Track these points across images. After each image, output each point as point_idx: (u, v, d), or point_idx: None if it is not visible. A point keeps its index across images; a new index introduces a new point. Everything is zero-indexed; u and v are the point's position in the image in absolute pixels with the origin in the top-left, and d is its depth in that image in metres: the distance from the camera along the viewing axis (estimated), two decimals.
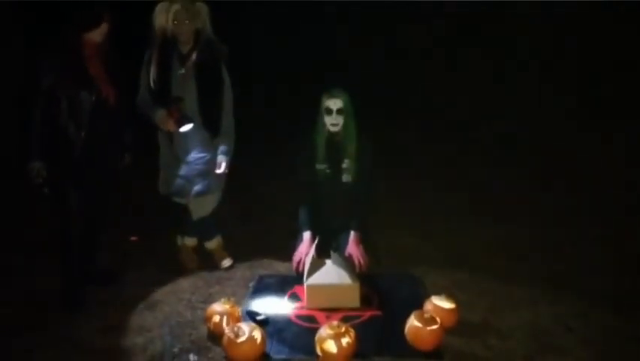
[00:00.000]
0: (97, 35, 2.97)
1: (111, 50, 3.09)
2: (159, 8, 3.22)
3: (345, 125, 3.29)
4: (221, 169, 3.39)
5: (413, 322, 2.67)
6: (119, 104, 3.12)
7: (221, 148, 3.40)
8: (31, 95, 2.90)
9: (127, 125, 3.28)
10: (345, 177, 3.36)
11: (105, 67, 3.05)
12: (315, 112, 3.34)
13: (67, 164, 3.00)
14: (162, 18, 3.21)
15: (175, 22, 3.19)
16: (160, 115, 3.25)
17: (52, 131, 2.94)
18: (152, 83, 3.26)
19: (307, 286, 3.07)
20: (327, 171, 3.39)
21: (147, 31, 3.28)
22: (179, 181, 3.40)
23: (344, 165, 3.36)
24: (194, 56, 3.27)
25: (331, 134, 3.33)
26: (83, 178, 3.05)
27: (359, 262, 3.28)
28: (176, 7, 3.18)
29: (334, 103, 3.23)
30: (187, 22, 3.20)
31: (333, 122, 3.26)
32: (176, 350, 2.72)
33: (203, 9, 3.27)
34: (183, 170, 3.38)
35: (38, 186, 2.96)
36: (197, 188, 3.38)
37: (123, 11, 3.26)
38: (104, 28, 2.97)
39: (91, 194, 3.12)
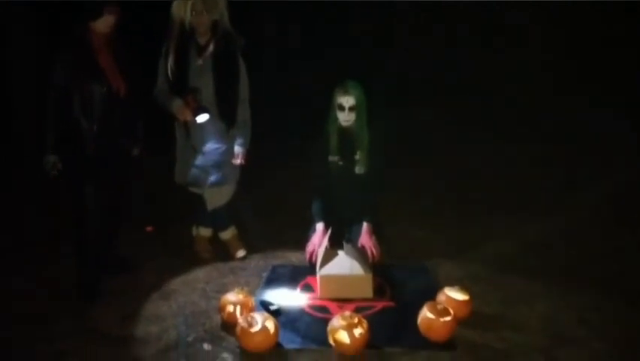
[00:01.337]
0: (103, 27, 2.97)
1: (121, 43, 3.10)
2: (177, 0, 3.23)
3: (357, 119, 3.28)
4: (238, 160, 3.41)
5: (426, 313, 2.67)
6: (130, 97, 3.13)
7: (239, 139, 3.42)
8: (45, 90, 2.93)
9: (138, 117, 3.29)
10: (358, 169, 3.36)
11: (115, 59, 3.06)
12: (329, 104, 3.33)
13: (81, 156, 3.03)
14: (180, 9, 3.22)
15: (193, 13, 3.20)
16: (177, 105, 3.27)
17: (65, 124, 2.97)
18: (169, 74, 3.28)
19: (320, 276, 3.08)
20: (340, 162, 3.38)
21: (157, 23, 3.29)
22: (194, 171, 3.42)
23: (356, 157, 3.35)
24: (211, 48, 3.29)
25: (344, 127, 3.32)
26: (97, 170, 3.08)
27: (372, 253, 3.28)
28: None
29: (347, 100, 3.22)
30: (205, 13, 3.21)
31: (345, 119, 3.25)
32: (190, 339, 2.74)
33: (221, 1, 3.27)
34: (199, 160, 3.40)
35: (54, 179, 3.00)
36: (212, 178, 3.40)
37: (132, 3, 3.26)
38: (108, 19, 2.96)
39: (105, 185, 3.16)
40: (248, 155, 3.46)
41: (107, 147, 3.08)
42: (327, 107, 3.34)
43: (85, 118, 2.99)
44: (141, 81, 3.26)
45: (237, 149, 3.42)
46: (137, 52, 3.17)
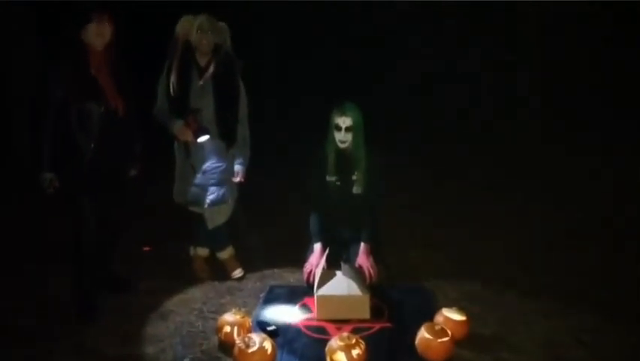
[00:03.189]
0: (94, 37, 2.93)
1: (119, 61, 3.11)
2: (183, 20, 3.29)
3: (354, 140, 3.30)
4: (238, 178, 3.44)
5: (423, 334, 2.66)
6: (128, 115, 3.14)
7: (238, 158, 3.47)
8: (42, 105, 2.94)
9: (136, 135, 3.31)
10: (356, 189, 3.37)
11: (114, 78, 3.07)
12: (326, 124, 3.36)
13: (78, 174, 3.03)
14: (186, 29, 3.28)
15: (199, 31, 3.25)
16: (178, 126, 3.31)
17: (63, 142, 2.97)
18: (172, 93, 3.31)
19: (318, 297, 3.07)
20: (338, 182, 3.40)
21: (156, 42, 3.32)
22: (194, 190, 3.44)
23: (354, 177, 3.37)
24: (211, 69, 3.33)
25: (341, 148, 3.35)
26: (94, 188, 3.08)
27: (369, 274, 3.28)
28: (201, 18, 3.26)
29: (343, 121, 3.25)
30: (210, 33, 3.26)
31: (341, 139, 3.28)
32: (187, 360, 2.73)
33: (224, 28, 3.36)
34: (199, 179, 3.42)
35: (51, 196, 3.00)
36: (212, 197, 3.42)
37: (131, 20, 3.28)
38: (99, 28, 2.93)
39: (103, 203, 3.16)
40: (247, 173, 3.49)
41: (105, 164, 3.08)
42: (326, 127, 3.37)
43: (82, 136, 2.99)
44: (140, 99, 3.27)
45: (237, 167, 3.46)
46: (135, 69, 3.19)
